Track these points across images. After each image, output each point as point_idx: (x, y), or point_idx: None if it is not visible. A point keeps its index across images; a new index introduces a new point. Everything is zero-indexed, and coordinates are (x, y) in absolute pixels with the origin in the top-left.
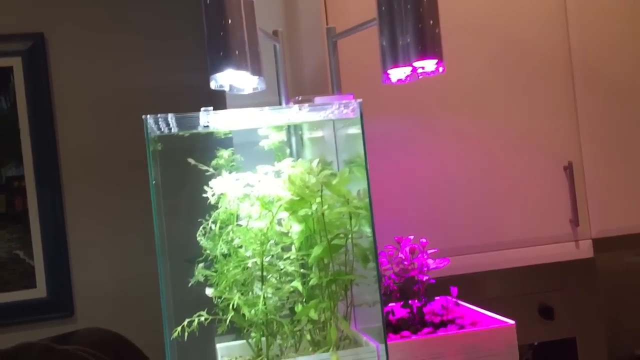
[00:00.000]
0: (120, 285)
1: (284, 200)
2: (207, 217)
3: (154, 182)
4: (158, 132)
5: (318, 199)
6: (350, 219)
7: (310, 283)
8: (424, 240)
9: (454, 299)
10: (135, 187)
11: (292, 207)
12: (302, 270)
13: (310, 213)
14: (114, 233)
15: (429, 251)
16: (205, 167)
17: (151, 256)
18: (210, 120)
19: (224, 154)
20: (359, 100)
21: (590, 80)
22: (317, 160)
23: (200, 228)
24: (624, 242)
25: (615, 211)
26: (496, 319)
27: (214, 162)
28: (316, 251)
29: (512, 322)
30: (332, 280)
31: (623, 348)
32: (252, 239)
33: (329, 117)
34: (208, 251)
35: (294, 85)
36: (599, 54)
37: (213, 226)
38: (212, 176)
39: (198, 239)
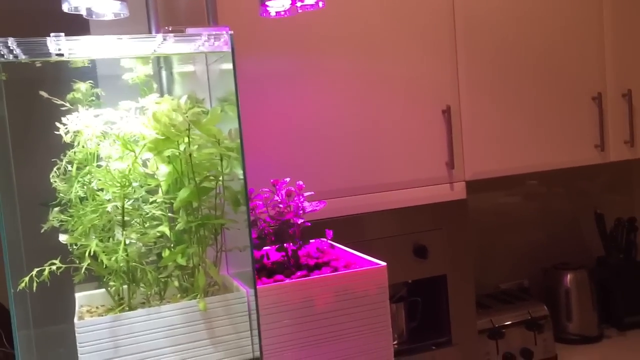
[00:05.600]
0: None
1: (148, 139)
2: (62, 157)
3: None
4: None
5: (186, 139)
6: (221, 160)
7: (177, 227)
8: (300, 183)
9: (328, 242)
10: None
11: (157, 147)
12: (170, 214)
13: (177, 154)
14: None
15: (306, 194)
16: (60, 102)
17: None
18: (62, 47)
19: (81, 86)
20: (230, 32)
21: (470, 25)
22: (185, 96)
23: (54, 169)
24: (494, 184)
25: (489, 154)
26: (369, 260)
27: (69, 96)
28: (182, 194)
29: (383, 263)
30: (200, 225)
31: (490, 283)
32: (112, 181)
33: (199, 49)
34: (62, 194)
35: (166, 15)
36: None
37: (69, 167)
38: (69, 112)
39: (52, 180)
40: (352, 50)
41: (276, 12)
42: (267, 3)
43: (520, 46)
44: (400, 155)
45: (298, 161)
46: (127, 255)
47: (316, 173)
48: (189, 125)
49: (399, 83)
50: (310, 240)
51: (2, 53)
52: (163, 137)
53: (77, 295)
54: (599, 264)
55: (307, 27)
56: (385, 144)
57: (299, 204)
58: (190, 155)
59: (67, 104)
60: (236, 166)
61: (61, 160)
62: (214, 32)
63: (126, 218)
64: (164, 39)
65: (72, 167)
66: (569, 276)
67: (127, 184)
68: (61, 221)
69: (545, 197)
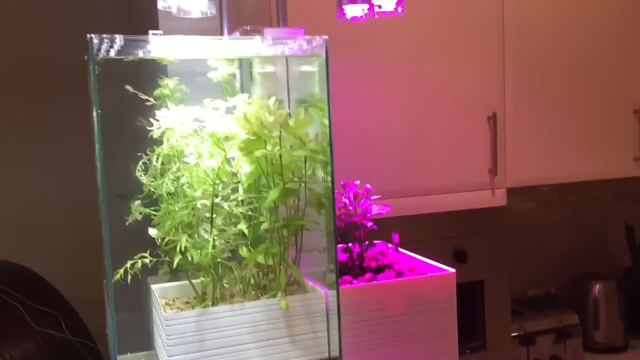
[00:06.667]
0: (22, 212)
1: (239, 139)
2: (147, 152)
3: (99, 111)
4: (102, 55)
5: (273, 140)
6: (305, 162)
7: (262, 227)
8: (368, 186)
9: (393, 246)
10: (40, 108)
11: (247, 147)
12: (249, 212)
13: (265, 154)
14: (11, 156)
15: (373, 197)
16: (145, 97)
17: (53, 180)
18: (161, 46)
19: (169, 83)
20: (325, 37)
21: (519, 33)
22: (273, 98)
23: (140, 163)
24: (524, 190)
25: (531, 163)
26: (435, 266)
27: (157, 92)
28: (273, 195)
29: (452, 270)
30: (285, 225)
31: (518, 289)
32: (204, 179)
33: (294, 53)
34: (152, 189)
35: (232, 11)
36: (529, 7)
37: (154, 161)
38: (151, 107)
39: (138, 174)
40: (406, 55)
41: (352, 17)
42: (344, 7)
43: (567, 57)
44: (445, 160)
45: (346, 162)
46: (215, 251)
47: (363, 174)
48: (280, 127)
49: (447, 88)
50: (375, 242)
51: (102, 49)
52: (253, 137)
53: (154, 287)
54: (626, 274)
55: (360, 30)
56: (430, 148)
57: (367, 207)
58: (280, 156)
59: (152, 100)
60: (318, 168)
61: (147, 155)
62: (307, 37)
63: (213, 215)
64: (263, 41)
65: (157, 162)
66: (597, 286)
67: (218, 181)
68: (140, 213)
69: (574, 205)
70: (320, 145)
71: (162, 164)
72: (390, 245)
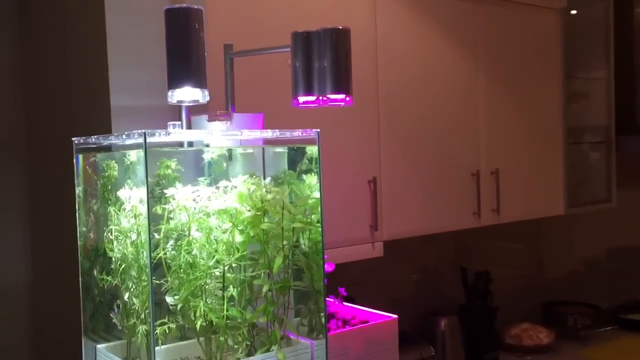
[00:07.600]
0: None
1: (248, 214)
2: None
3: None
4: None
5: (275, 214)
6: (293, 231)
7: (264, 290)
8: None
9: (339, 298)
10: None
11: (254, 222)
12: (246, 275)
13: (265, 227)
14: None
15: None
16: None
17: None
18: (181, 136)
19: (171, 164)
20: (317, 130)
21: (390, 115)
22: (269, 178)
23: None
24: (406, 243)
25: (401, 219)
26: (373, 312)
27: (160, 172)
28: (278, 261)
29: (395, 316)
30: (283, 287)
31: None
32: (214, 250)
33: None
34: (169, 260)
35: None
36: (400, 89)
37: (157, 235)
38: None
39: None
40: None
41: (304, 103)
42: (298, 97)
43: (425, 132)
44: (333, 218)
45: None
46: (228, 312)
47: None
48: (282, 203)
49: (335, 157)
50: None
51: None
52: (259, 213)
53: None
54: (462, 310)
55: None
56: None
57: None
58: (282, 228)
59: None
60: (301, 235)
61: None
62: (302, 130)
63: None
64: (272, 134)
65: (160, 235)
66: (443, 322)
67: (232, 252)
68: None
69: (419, 252)
70: (307, 217)
71: (178, 238)
72: (336, 298)
